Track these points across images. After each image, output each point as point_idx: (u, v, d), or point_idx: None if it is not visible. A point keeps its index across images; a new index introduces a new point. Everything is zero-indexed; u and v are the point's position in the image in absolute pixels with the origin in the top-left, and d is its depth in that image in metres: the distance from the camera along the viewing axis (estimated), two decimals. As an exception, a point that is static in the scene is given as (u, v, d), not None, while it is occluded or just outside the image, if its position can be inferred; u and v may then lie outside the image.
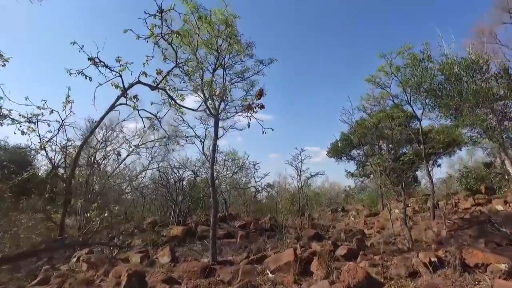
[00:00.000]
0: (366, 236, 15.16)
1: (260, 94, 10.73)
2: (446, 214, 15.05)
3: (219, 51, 10.90)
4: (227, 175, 21.77)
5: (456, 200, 18.68)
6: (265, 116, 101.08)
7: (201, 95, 10.19)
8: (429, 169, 18.41)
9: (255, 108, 9.80)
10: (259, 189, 23.08)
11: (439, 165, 27.62)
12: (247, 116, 10.12)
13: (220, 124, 11.29)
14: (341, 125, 32.17)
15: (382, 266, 8.96)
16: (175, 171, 18.54)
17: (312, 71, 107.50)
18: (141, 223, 16.93)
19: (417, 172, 29.76)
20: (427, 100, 12.02)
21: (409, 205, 21.61)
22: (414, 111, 18.23)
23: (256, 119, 10.17)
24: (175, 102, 8.38)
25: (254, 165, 21.31)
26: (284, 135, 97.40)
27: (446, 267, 8.98)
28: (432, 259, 9.08)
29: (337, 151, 29.94)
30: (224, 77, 11.55)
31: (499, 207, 15.34)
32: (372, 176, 30.30)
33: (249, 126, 10.22)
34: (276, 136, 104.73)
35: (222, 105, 11.01)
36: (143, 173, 22.85)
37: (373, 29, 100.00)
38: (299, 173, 19.43)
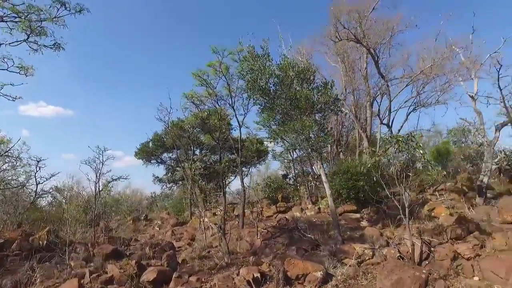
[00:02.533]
0: (176, 250, 12.81)
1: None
2: (255, 222, 14.95)
3: None
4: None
5: (260, 208, 19.40)
6: (62, 109, 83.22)
7: None
8: (242, 177, 18.33)
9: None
10: (41, 192, 16.60)
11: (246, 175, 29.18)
12: None
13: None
14: (159, 124, 29.15)
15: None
16: None
17: (136, 64, 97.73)
18: None
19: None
20: (260, 99, 11.19)
21: (217, 214, 21.17)
22: (236, 117, 17.92)
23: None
24: None
25: (38, 161, 15.05)
26: (85, 134, 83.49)
27: (269, 282, 8.07)
28: (255, 275, 8.00)
29: (147, 152, 26.55)
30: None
31: (297, 214, 16.71)
32: (181, 182, 28.80)
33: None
34: (74, 134, 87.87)
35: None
36: None
37: (213, 22, 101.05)
38: (98, 176, 15.03)
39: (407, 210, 8.21)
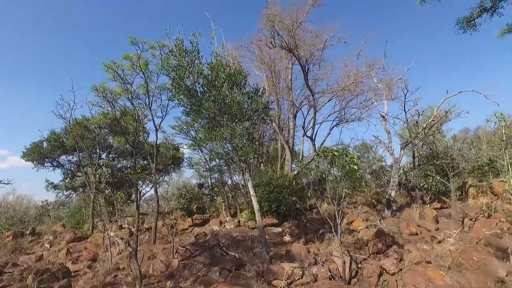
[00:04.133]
0: (73, 275, 10.42)
1: None
2: (169, 236, 13.44)
3: None
4: None
5: (174, 221, 17.77)
6: None
7: None
8: (156, 186, 16.51)
9: None
10: None
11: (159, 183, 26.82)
12: None
13: None
14: (57, 121, 24.72)
15: None
16: None
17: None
18: None
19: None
20: (185, 100, 9.97)
21: (125, 226, 18.70)
22: (153, 119, 16.10)
23: None
24: None
25: None
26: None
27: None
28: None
29: (40, 154, 22.24)
30: None
31: (216, 228, 15.65)
32: (81, 189, 24.88)
33: None
34: None
35: None
36: None
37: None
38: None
39: (339, 227, 7.99)
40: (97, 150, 21.37)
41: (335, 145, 18.03)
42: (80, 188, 24.85)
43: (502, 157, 16.68)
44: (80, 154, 21.95)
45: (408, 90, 16.05)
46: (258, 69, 20.50)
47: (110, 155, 24.56)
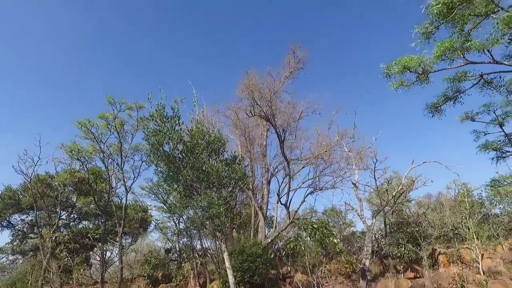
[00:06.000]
0: None
1: None
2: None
3: None
4: None
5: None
6: None
7: None
8: (122, 252, 15.31)
9: None
10: None
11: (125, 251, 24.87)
12: None
13: None
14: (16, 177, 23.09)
15: None
16: None
17: None
18: None
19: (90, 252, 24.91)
20: (163, 166, 9.82)
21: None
22: (124, 181, 15.56)
23: None
24: None
25: None
26: None
27: None
28: None
29: (-10, 212, 20.24)
30: None
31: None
32: (32, 253, 22.33)
33: None
34: None
35: None
36: None
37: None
38: None
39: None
40: (58, 210, 19.82)
41: (308, 212, 18.05)
42: (31, 252, 22.36)
43: (467, 224, 17.38)
44: (37, 213, 20.19)
45: (377, 160, 16.95)
46: (232, 133, 20.92)
47: (72, 215, 22.79)
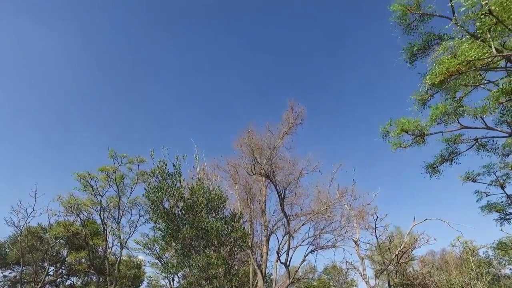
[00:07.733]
0: None
1: None
2: None
3: None
4: None
5: None
6: None
7: None
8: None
9: None
10: None
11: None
12: None
13: None
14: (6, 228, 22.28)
15: None
16: None
17: None
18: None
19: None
20: (162, 223, 9.64)
21: None
22: (120, 236, 15.05)
23: None
24: None
25: None
26: None
27: None
28: None
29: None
30: None
31: None
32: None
33: None
34: None
35: None
36: None
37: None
38: None
39: None
40: (46, 265, 18.87)
41: (309, 272, 17.34)
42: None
43: (477, 286, 16.68)
44: (23, 268, 19.17)
45: (378, 217, 16.69)
46: (232, 188, 20.71)
47: (60, 271, 21.63)
